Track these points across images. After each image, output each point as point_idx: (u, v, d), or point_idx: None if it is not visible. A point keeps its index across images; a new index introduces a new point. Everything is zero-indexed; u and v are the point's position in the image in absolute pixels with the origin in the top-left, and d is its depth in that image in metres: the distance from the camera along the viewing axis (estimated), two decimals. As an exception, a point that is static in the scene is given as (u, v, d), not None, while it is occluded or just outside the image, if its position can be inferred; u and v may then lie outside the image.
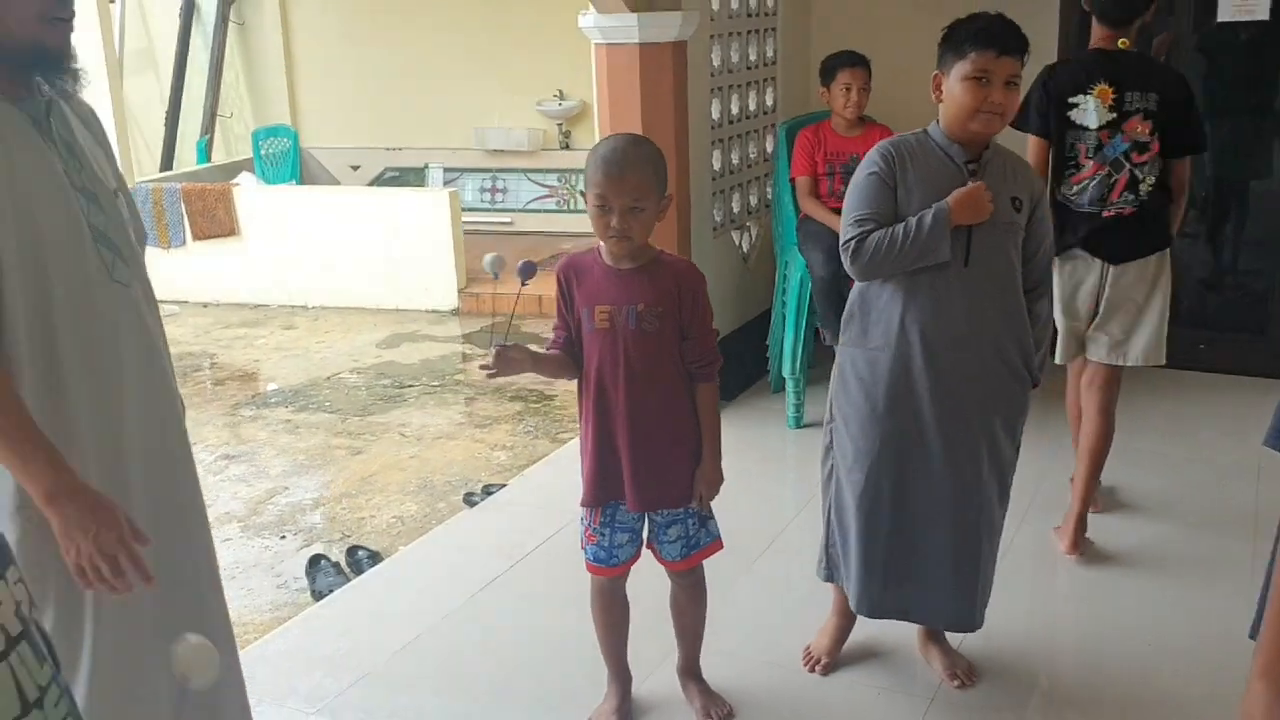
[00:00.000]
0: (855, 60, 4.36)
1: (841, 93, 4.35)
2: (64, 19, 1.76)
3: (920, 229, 2.48)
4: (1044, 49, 4.98)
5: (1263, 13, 4.49)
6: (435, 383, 6.24)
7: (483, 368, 2.39)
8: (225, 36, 9.57)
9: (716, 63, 4.61)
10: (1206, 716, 2.68)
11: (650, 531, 2.59)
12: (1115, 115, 3.30)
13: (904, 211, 2.54)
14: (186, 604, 1.98)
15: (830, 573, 2.84)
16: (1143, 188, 3.31)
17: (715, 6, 4.53)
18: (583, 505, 2.56)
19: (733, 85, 4.76)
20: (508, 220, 9.66)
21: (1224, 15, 4.60)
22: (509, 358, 2.37)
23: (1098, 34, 3.40)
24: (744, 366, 4.87)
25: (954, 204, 2.49)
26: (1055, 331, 2.80)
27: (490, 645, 3.12)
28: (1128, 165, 3.31)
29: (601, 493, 2.51)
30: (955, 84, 2.49)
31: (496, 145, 9.56)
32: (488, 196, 9.75)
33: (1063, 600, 3.34)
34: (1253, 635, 1.54)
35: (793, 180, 4.52)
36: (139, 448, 1.87)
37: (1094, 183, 3.32)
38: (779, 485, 4.16)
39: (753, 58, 4.92)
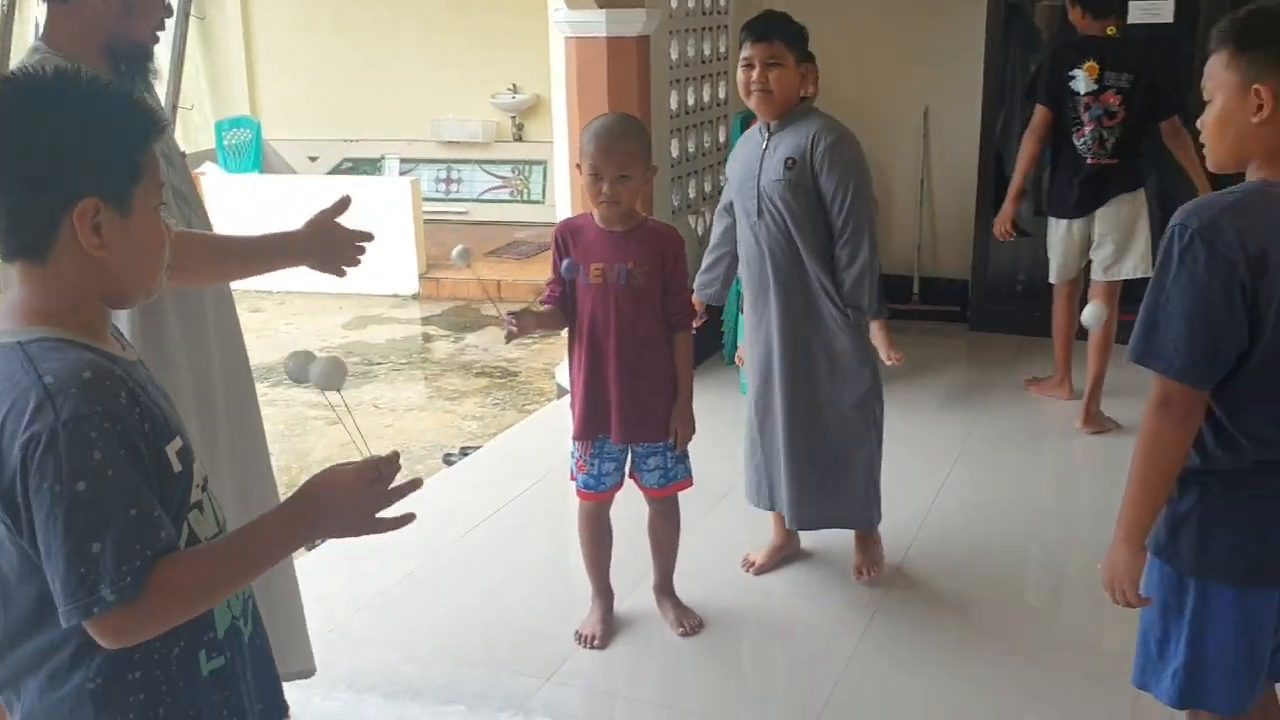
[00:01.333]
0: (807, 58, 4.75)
1: None
2: (161, 32, 2.12)
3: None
4: (974, 42, 5.46)
5: (1167, 15, 4.98)
6: (403, 360, 6.55)
7: (508, 335, 2.72)
8: (186, 30, 9.74)
9: (674, 56, 4.98)
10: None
11: (632, 462, 2.96)
12: (1097, 87, 4.25)
13: (726, 186, 3.24)
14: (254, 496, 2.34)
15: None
16: (1108, 144, 4.29)
17: (674, 4, 4.90)
18: (574, 439, 2.92)
19: (689, 78, 5.14)
20: (463, 210, 9.96)
21: (1134, 17, 5.08)
22: (525, 321, 2.74)
23: (1085, 23, 4.34)
24: (700, 342, 5.24)
25: None
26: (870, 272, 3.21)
27: (481, 575, 3.47)
28: (1100, 127, 4.29)
29: (592, 427, 2.87)
30: (738, 71, 3.07)
31: (451, 137, 9.85)
32: (443, 187, 10.05)
33: (992, 518, 3.74)
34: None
35: (745, 166, 4.91)
36: (218, 371, 2.22)
37: (1088, 135, 4.30)
38: (736, 442, 4.54)
39: (707, 52, 5.30)
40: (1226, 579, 1.81)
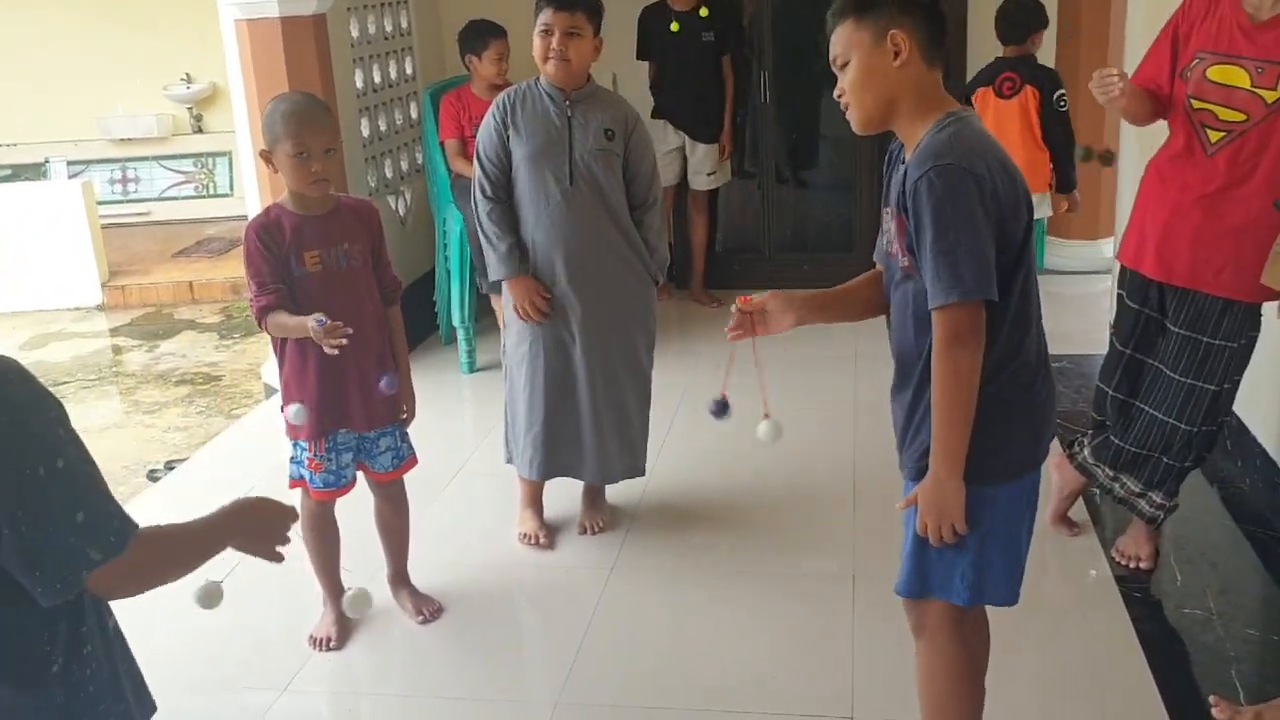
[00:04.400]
0: (503, 31, 4.70)
1: (494, 60, 4.66)
2: None
3: (490, 247, 3.15)
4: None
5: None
6: (92, 377, 6.06)
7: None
8: None
9: (355, 34, 4.82)
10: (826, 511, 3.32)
11: (361, 450, 2.86)
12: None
13: (517, 147, 3.09)
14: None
15: (509, 455, 3.38)
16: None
17: (349, -20, 4.74)
18: (306, 439, 2.77)
19: (373, 55, 4.99)
20: (144, 210, 9.33)
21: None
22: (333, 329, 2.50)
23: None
24: (412, 325, 5.12)
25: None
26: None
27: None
28: None
29: (329, 422, 2.75)
30: (534, 37, 3.07)
31: (123, 134, 9.20)
32: (119, 188, 9.37)
33: (720, 457, 3.90)
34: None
35: (442, 143, 4.83)
36: None
37: None
38: (460, 424, 4.50)
39: (389, 28, 5.16)
40: (1011, 475, 1.92)
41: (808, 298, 2.07)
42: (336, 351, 2.53)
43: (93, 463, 1.35)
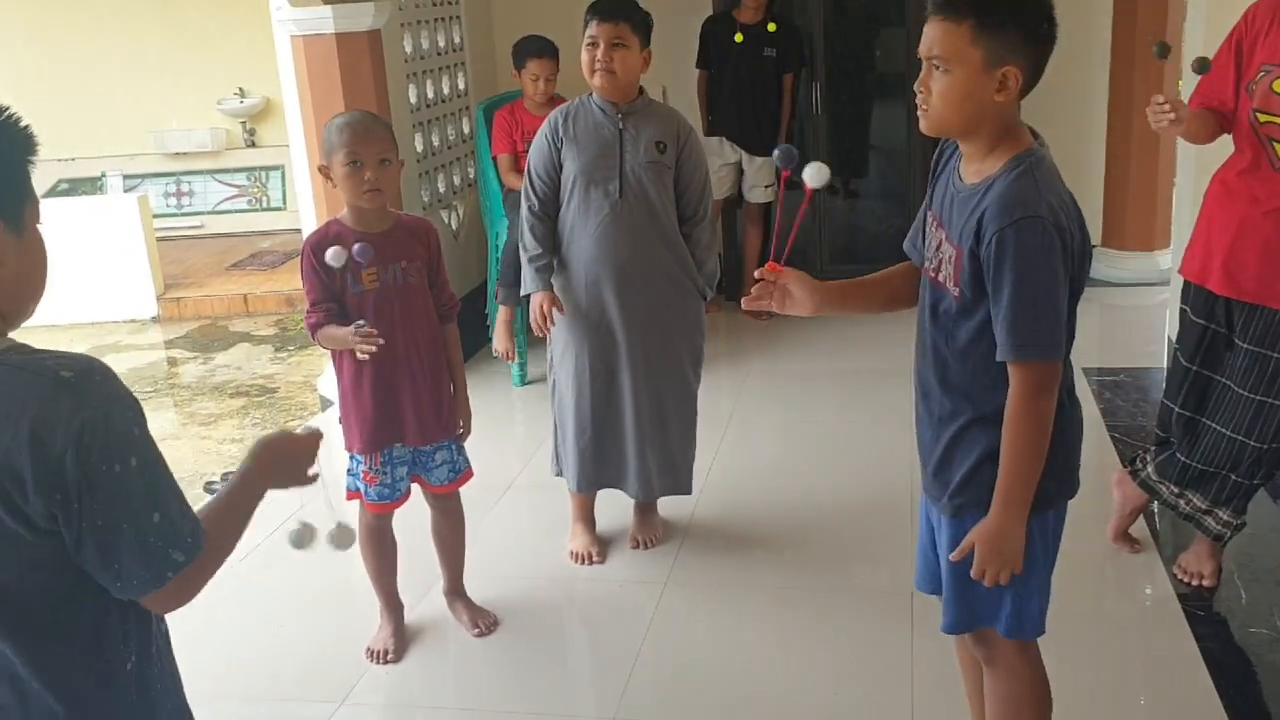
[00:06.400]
0: (543, 50, 4.70)
1: (531, 80, 4.68)
2: None
3: (528, 267, 3.13)
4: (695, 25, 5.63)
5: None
6: (148, 389, 6.15)
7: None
8: None
9: (409, 50, 4.87)
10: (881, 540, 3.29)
11: (417, 463, 2.88)
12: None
13: (570, 161, 3.09)
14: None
15: (559, 468, 3.38)
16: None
17: (403, -4, 4.79)
18: (361, 453, 2.80)
19: (427, 71, 5.04)
20: (198, 224, 9.46)
21: None
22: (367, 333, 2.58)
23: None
24: (464, 338, 5.15)
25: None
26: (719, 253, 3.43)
27: (259, 605, 3.29)
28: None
29: (384, 436, 2.78)
30: (582, 50, 3.08)
31: (178, 148, 9.34)
32: (173, 201, 9.51)
33: (772, 471, 3.90)
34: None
35: (495, 158, 4.86)
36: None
37: None
38: (511, 436, 4.52)
39: (442, 44, 5.20)
40: (1053, 504, 1.89)
41: (832, 288, 2.04)
42: (366, 357, 2.59)
43: (166, 467, 1.34)
